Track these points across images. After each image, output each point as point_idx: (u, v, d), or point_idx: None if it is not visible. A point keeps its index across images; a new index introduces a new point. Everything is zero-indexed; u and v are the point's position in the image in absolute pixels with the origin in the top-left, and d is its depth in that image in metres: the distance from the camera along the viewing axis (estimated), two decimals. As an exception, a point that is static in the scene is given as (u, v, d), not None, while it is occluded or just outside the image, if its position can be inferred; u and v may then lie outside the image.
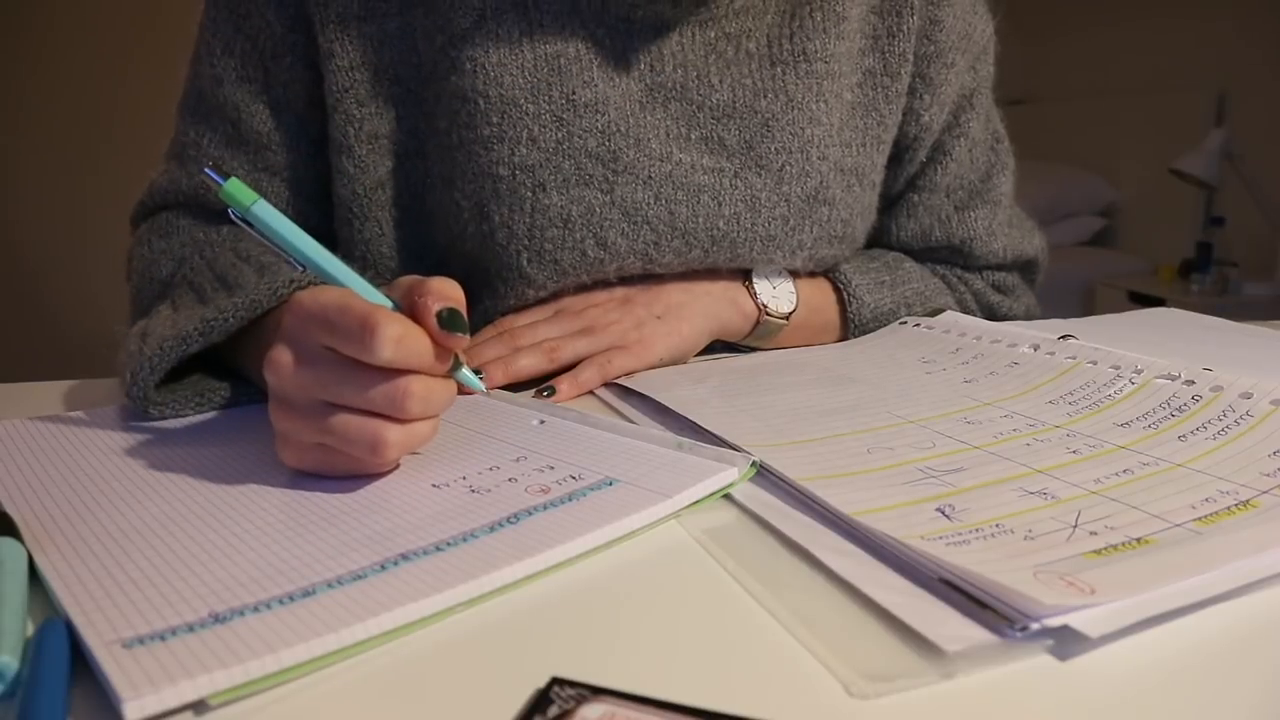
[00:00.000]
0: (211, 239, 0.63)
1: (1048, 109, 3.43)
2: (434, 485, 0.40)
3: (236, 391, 0.53)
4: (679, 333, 0.63)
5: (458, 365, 0.41)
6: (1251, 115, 2.81)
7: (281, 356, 0.39)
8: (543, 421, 0.48)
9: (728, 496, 0.40)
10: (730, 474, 0.40)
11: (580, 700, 0.26)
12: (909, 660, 0.28)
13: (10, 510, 0.39)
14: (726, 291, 0.66)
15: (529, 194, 0.59)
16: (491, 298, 0.64)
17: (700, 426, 0.48)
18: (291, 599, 0.30)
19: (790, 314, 0.67)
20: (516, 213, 0.60)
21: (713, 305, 0.65)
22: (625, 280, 0.65)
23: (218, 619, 0.29)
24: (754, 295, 0.66)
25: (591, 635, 0.30)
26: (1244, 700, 0.26)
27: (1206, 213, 2.93)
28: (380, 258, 0.65)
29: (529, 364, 0.58)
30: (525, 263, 0.61)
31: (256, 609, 0.30)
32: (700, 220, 0.62)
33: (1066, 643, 0.28)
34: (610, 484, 0.40)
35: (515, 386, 0.58)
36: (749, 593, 0.32)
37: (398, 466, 0.42)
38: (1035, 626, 0.28)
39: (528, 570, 0.33)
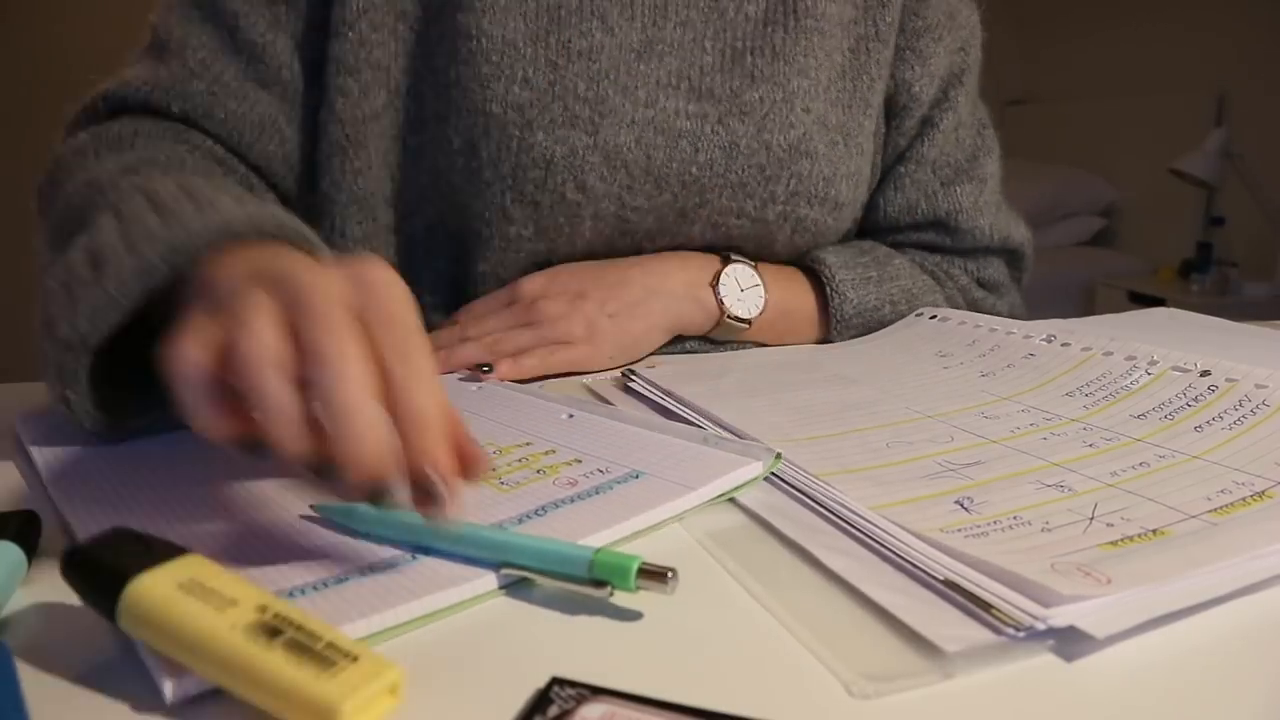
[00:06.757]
0: (184, 159, 0.55)
1: (1048, 109, 3.43)
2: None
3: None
4: (629, 332, 0.63)
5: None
6: (1251, 115, 2.81)
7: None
8: (571, 415, 0.49)
9: (730, 498, 0.40)
10: (755, 468, 0.41)
11: (580, 700, 0.26)
12: (909, 660, 0.28)
13: (60, 494, 0.39)
14: (690, 290, 0.66)
15: (516, 132, 0.61)
16: (475, 241, 0.65)
17: (719, 420, 0.48)
18: (324, 584, 0.31)
19: (754, 318, 0.67)
20: (503, 150, 0.62)
21: (673, 304, 0.65)
22: (589, 254, 0.66)
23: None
24: (719, 298, 0.66)
25: (591, 635, 0.30)
26: (1249, 699, 0.26)
27: (1206, 213, 2.93)
28: (364, 192, 0.65)
29: (468, 353, 0.59)
30: (509, 202, 0.63)
31: (304, 590, 0.30)
32: (674, 165, 0.64)
33: (1068, 643, 0.28)
34: (637, 477, 0.40)
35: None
36: (749, 593, 0.32)
37: None
38: (1041, 627, 0.28)
39: None
